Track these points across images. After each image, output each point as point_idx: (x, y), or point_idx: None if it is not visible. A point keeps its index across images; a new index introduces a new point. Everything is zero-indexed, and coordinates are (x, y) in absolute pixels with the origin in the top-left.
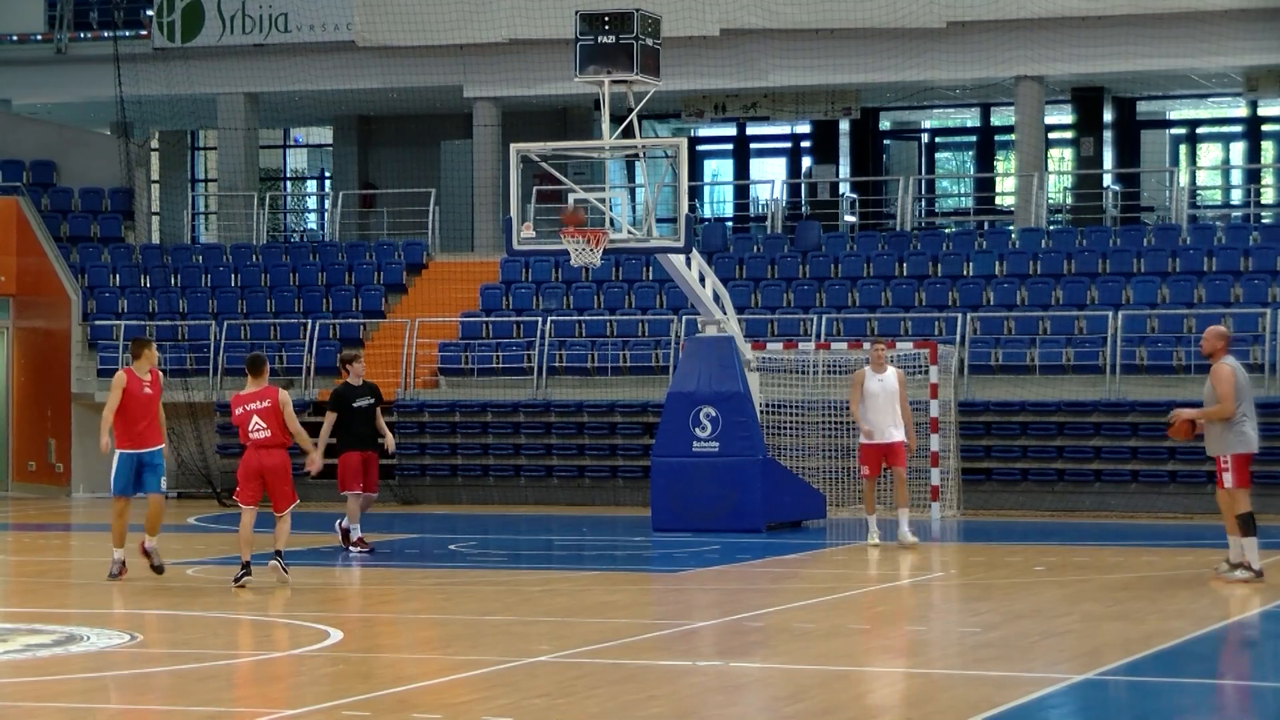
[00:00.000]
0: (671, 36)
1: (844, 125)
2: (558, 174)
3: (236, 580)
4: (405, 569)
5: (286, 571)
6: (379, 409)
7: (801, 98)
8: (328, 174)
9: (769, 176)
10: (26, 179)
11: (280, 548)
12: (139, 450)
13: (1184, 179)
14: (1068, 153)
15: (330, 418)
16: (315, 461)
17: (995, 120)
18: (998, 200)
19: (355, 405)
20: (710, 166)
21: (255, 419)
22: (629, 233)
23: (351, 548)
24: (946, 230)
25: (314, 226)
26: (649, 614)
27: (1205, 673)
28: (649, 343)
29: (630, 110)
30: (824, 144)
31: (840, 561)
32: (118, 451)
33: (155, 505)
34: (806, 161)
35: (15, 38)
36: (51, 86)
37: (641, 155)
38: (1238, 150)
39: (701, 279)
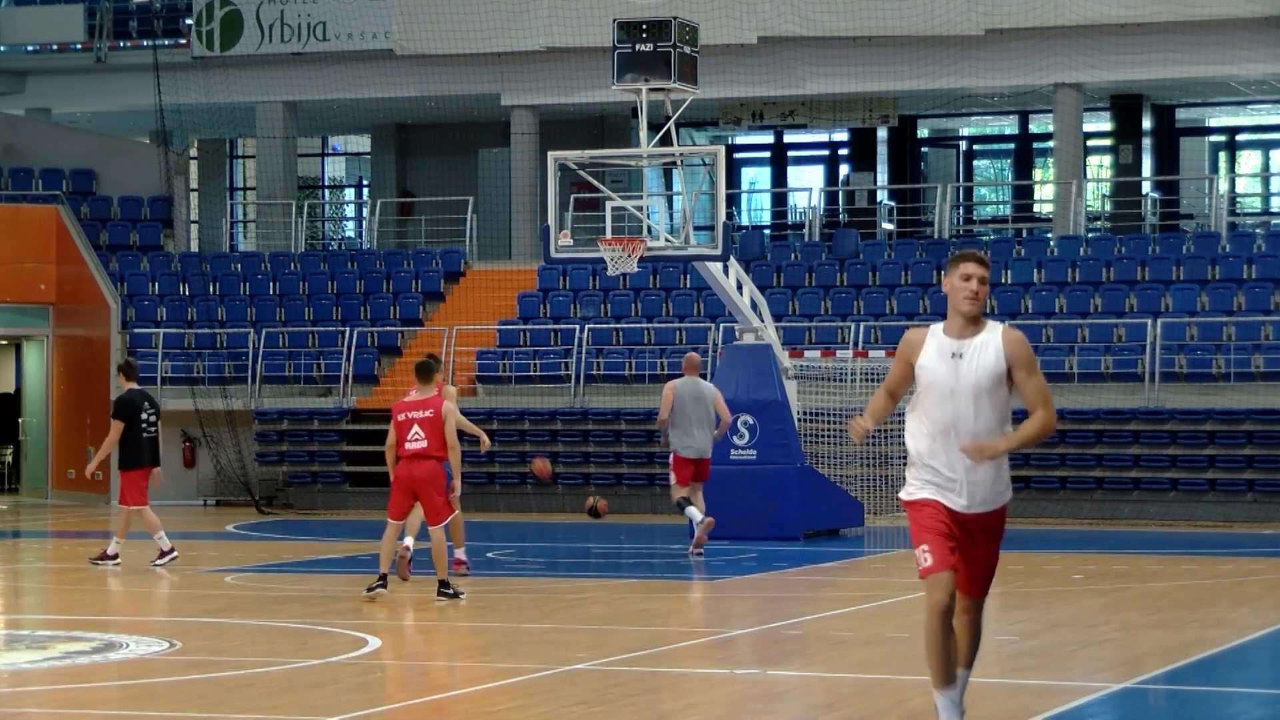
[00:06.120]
0: (709, 44)
1: (882, 133)
2: (595, 182)
3: (369, 589)
4: None
5: (456, 595)
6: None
7: (839, 105)
8: (366, 182)
9: (806, 184)
10: (66, 188)
11: (440, 575)
12: None
13: (1223, 186)
14: (1106, 160)
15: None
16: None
17: (1034, 128)
18: (1036, 208)
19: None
20: (748, 174)
21: (415, 428)
22: (666, 241)
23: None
24: (984, 238)
25: (352, 235)
26: (686, 622)
27: (1246, 682)
28: (686, 350)
29: (668, 118)
30: (862, 152)
31: (878, 569)
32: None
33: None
34: (844, 169)
35: (55, 47)
36: (91, 95)
37: (679, 163)
38: (1278, 157)
39: (739, 287)
